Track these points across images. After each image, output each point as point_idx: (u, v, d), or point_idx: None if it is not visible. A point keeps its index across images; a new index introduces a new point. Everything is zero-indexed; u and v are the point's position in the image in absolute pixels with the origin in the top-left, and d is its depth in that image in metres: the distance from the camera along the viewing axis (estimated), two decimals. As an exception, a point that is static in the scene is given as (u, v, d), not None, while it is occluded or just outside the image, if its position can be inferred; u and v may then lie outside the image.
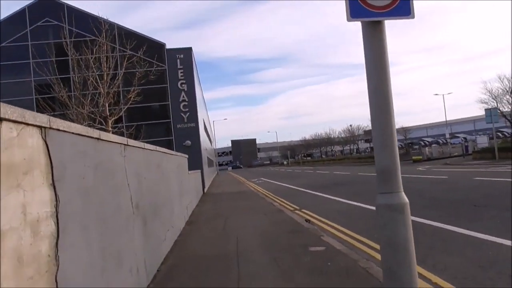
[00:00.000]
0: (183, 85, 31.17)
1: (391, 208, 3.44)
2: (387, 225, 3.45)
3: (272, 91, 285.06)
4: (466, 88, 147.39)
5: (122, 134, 16.26)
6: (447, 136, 58.37)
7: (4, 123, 2.23)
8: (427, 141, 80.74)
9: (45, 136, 2.76)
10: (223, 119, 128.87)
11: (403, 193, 3.51)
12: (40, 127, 2.69)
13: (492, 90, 39.63)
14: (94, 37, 15.53)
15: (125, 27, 29.16)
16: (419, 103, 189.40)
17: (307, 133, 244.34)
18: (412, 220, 3.70)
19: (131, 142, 5.32)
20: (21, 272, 2.24)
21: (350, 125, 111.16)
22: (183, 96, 31.14)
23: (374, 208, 10.81)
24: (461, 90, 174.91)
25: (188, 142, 30.15)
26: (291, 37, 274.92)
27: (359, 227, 9.05)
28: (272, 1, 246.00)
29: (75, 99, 15.33)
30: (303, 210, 12.86)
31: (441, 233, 7.69)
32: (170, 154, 9.57)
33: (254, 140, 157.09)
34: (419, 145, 68.26)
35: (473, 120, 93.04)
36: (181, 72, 31.20)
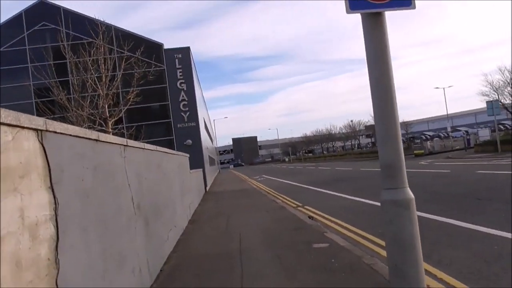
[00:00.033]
0: (182, 85, 31.11)
1: (397, 204, 3.37)
2: (393, 222, 3.38)
3: (271, 89, 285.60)
4: (466, 81, 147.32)
5: (122, 135, 16.28)
6: (449, 129, 58.18)
7: (-1, 127, 2.20)
8: (429, 135, 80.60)
9: (42, 139, 2.73)
10: (223, 117, 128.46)
11: (408, 188, 3.44)
12: (36, 130, 2.66)
13: (493, 82, 39.50)
14: (91, 39, 15.48)
15: (122, 28, 29.10)
16: (419, 96, 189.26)
17: (308, 130, 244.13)
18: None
19: (131, 142, 5.28)
20: (20, 277, 2.21)
21: (351, 121, 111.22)
22: (183, 96, 31.08)
23: (377, 203, 10.75)
24: (461, 83, 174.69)
25: (189, 141, 30.12)
26: (287, 34, 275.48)
27: (362, 223, 9.01)
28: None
29: (74, 102, 15.30)
30: (306, 206, 12.83)
31: (445, 228, 7.64)
32: (171, 153, 9.54)
33: (255, 137, 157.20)
34: (421, 139, 68.17)
35: (474, 113, 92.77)
36: (180, 72, 31.14)
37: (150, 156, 6.68)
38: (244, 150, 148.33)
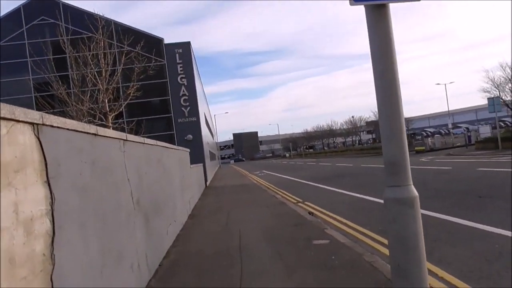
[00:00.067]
0: (183, 80, 31.03)
1: (400, 202, 3.29)
2: (396, 220, 3.30)
3: (272, 84, 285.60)
4: (467, 77, 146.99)
5: (122, 130, 16.21)
6: (450, 126, 58.06)
7: (-7, 120, 2.16)
8: (429, 132, 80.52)
9: (38, 133, 2.68)
10: (224, 112, 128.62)
11: (412, 186, 3.35)
12: (32, 123, 2.61)
13: (494, 79, 39.36)
14: (91, 34, 15.41)
15: (122, 23, 28.98)
16: (420, 92, 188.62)
17: (308, 125, 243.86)
18: (418, 212, 3.59)
19: (131, 137, 5.24)
20: (14, 273, 2.17)
21: (352, 117, 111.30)
22: (183, 91, 31.01)
23: (377, 200, 10.73)
24: (462, 79, 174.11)
25: (190, 136, 30.07)
26: (288, 29, 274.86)
27: (362, 219, 8.97)
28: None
29: (74, 96, 15.25)
30: (306, 202, 12.79)
31: (446, 225, 7.59)
32: (171, 148, 9.49)
33: (256, 133, 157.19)
34: (422, 136, 68.07)
35: (475, 110, 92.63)
36: (180, 67, 31.05)
37: (150, 151, 6.63)
38: (245, 146, 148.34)
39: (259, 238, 7.64)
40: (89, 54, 14.64)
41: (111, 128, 14.17)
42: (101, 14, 16.33)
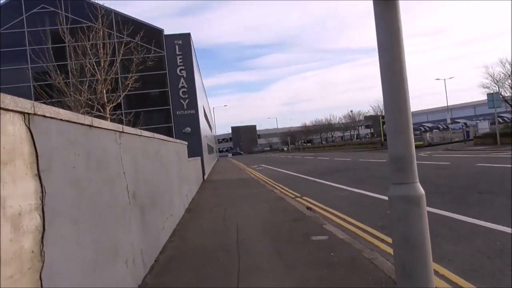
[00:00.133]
0: (182, 72, 30.86)
1: (406, 200, 3.15)
2: (401, 219, 3.17)
3: (272, 77, 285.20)
4: (465, 73, 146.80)
5: (120, 121, 16.06)
6: (449, 121, 57.98)
7: (-22, 109, 2.04)
8: (428, 127, 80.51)
9: (29, 123, 2.56)
10: (223, 105, 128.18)
11: (419, 184, 3.23)
12: (22, 113, 2.49)
13: (494, 75, 39.20)
14: (90, 23, 15.23)
15: (121, 13, 28.71)
16: (418, 87, 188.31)
17: (307, 119, 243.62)
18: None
19: (127, 129, 5.12)
20: (-1, 272, 2.06)
21: (351, 111, 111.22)
22: (182, 83, 30.84)
23: (376, 195, 10.64)
24: (460, 74, 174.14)
25: (188, 129, 29.95)
26: (288, 22, 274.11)
27: (361, 215, 8.88)
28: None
29: (72, 86, 15.09)
30: (304, 197, 12.70)
31: (446, 221, 7.51)
32: (168, 141, 9.37)
33: (254, 126, 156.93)
34: (420, 131, 68.04)
35: (474, 105, 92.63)
36: (180, 58, 30.87)
37: (147, 143, 6.52)
38: (243, 139, 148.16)
39: (257, 234, 7.55)
40: (88, 44, 14.48)
41: (108, 119, 14.03)
42: (101, 3, 16.17)
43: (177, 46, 30.84)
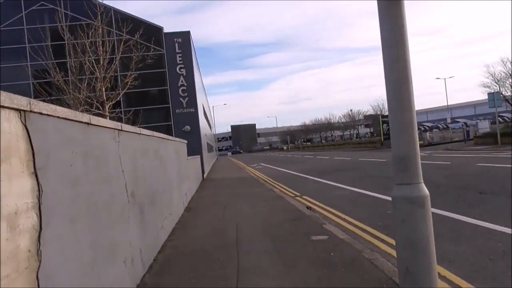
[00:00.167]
0: (181, 70, 30.77)
1: (410, 201, 3.09)
2: (405, 221, 3.10)
3: (271, 76, 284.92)
4: (465, 72, 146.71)
5: (120, 119, 16.04)
6: (449, 121, 57.94)
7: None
8: (427, 126, 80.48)
9: (25, 120, 2.51)
10: (222, 104, 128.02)
11: (423, 184, 3.17)
12: (18, 110, 2.44)
13: (494, 74, 39.15)
14: (89, 21, 15.17)
15: (121, 10, 28.61)
16: (418, 86, 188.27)
17: (307, 118, 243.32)
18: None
19: (126, 127, 5.07)
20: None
21: (351, 110, 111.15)
22: (182, 81, 30.75)
23: (376, 195, 10.58)
24: (460, 74, 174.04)
25: (188, 128, 29.88)
26: (288, 21, 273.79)
27: (361, 214, 8.85)
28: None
29: (71, 84, 15.05)
30: (304, 196, 12.65)
31: (447, 222, 7.45)
32: (168, 139, 9.32)
33: (254, 125, 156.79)
34: (420, 130, 67.99)
35: (474, 105, 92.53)
36: (179, 57, 30.77)
37: (146, 141, 6.47)
38: (243, 138, 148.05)
39: (256, 233, 7.51)
40: (87, 42, 14.43)
41: (107, 117, 13.99)
42: (100, 1, 16.10)
43: (176, 44, 30.74)
